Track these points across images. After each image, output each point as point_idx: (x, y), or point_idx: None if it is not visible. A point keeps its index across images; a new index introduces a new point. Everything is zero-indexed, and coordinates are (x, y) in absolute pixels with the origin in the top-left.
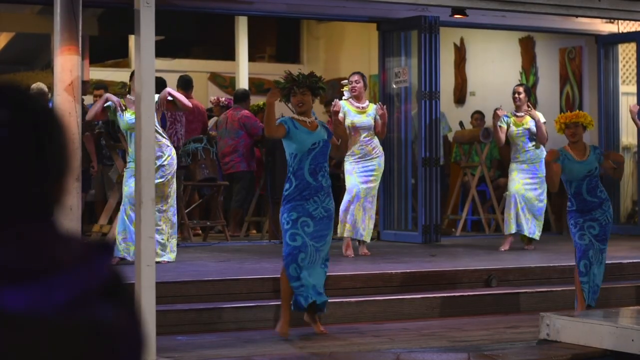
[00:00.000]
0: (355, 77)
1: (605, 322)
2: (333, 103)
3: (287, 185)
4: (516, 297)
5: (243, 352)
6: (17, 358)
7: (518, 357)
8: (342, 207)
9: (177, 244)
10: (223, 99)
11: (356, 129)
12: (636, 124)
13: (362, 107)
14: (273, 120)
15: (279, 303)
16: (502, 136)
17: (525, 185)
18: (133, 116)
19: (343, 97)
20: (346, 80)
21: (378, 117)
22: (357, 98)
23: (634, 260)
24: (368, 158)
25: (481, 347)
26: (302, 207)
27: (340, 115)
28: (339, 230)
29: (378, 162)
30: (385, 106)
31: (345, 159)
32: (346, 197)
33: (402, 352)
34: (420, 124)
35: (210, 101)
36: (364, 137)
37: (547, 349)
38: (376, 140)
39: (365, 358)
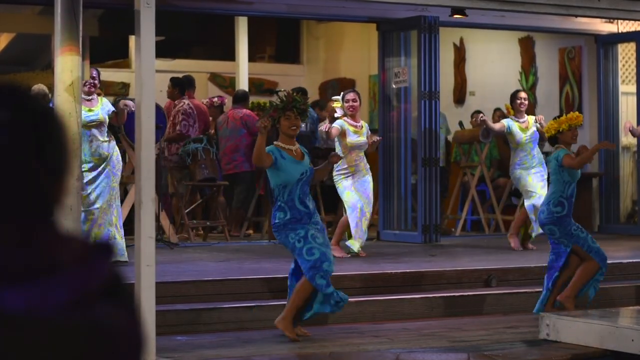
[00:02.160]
0: (353, 96)
1: (605, 322)
2: (325, 127)
3: (280, 214)
4: (516, 297)
5: (243, 352)
6: (17, 358)
7: (518, 357)
8: (353, 224)
9: (177, 244)
10: (215, 99)
11: (353, 149)
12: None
13: (359, 126)
14: (264, 148)
15: (279, 303)
16: (498, 126)
17: (542, 189)
18: (88, 112)
19: (335, 114)
20: (337, 97)
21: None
22: (353, 117)
23: (634, 260)
24: (360, 174)
25: (481, 347)
26: (305, 227)
27: (336, 127)
28: (356, 247)
29: (370, 176)
30: (380, 138)
31: (337, 175)
32: (353, 215)
33: (402, 352)
34: (419, 124)
35: (203, 103)
36: (358, 155)
37: (547, 349)
38: (364, 157)
39: (365, 358)
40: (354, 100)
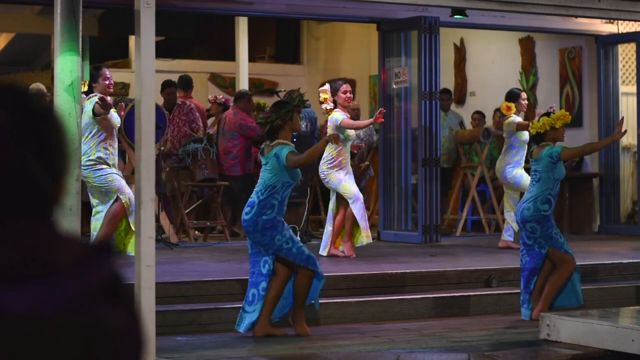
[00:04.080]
0: (349, 87)
1: (605, 322)
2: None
3: (268, 211)
4: (516, 297)
5: (243, 352)
6: (17, 358)
7: (518, 357)
8: (359, 216)
9: (177, 244)
10: (220, 96)
11: (349, 141)
12: None
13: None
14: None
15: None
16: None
17: None
18: (115, 114)
19: (326, 106)
20: (325, 87)
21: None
22: (346, 108)
23: (634, 260)
24: (348, 169)
25: (481, 347)
26: (286, 228)
27: (346, 118)
28: (363, 241)
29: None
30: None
31: (328, 169)
32: (357, 205)
33: (402, 352)
34: (420, 124)
35: (208, 100)
36: (348, 148)
37: (547, 349)
38: None
39: (365, 358)
40: (350, 92)
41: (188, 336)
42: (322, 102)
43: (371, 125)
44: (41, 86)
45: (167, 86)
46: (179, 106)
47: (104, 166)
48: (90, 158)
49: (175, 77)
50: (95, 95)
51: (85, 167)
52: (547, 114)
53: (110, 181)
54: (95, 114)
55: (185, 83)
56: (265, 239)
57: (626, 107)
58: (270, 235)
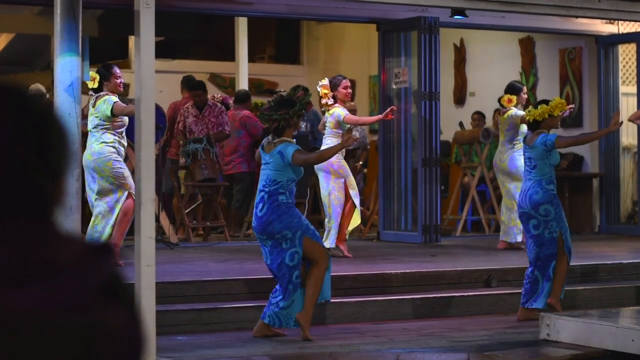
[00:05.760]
0: (349, 83)
1: (605, 322)
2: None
3: (282, 197)
4: (516, 297)
5: (243, 352)
6: (17, 358)
7: (518, 357)
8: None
9: (177, 244)
10: (218, 95)
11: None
12: None
13: None
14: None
15: None
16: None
17: None
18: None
19: (326, 101)
20: (324, 82)
21: None
22: (345, 103)
23: (634, 260)
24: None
25: (481, 347)
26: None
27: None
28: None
29: None
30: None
31: (346, 164)
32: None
33: (402, 352)
34: (420, 125)
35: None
36: None
37: (547, 349)
38: None
39: (365, 358)
40: (350, 87)
41: (188, 336)
42: (321, 97)
43: (366, 126)
44: (40, 87)
45: (194, 88)
46: (209, 107)
47: (120, 158)
48: (109, 144)
49: (175, 77)
50: (108, 95)
51: (101, 155)
52: (546, 102)
53: (126, 177)
54: (113, 114)
55: (189, 83)
56: (293, 219)
57: (626, 107)
58: (297, 214)
